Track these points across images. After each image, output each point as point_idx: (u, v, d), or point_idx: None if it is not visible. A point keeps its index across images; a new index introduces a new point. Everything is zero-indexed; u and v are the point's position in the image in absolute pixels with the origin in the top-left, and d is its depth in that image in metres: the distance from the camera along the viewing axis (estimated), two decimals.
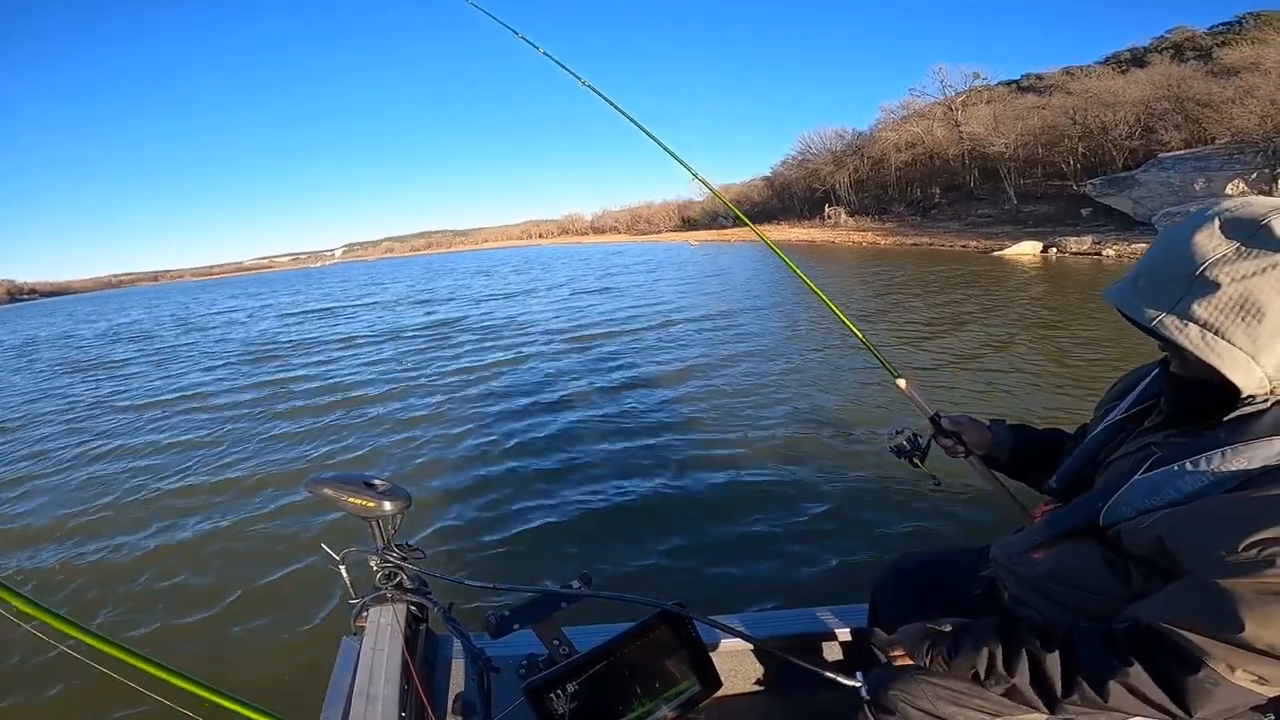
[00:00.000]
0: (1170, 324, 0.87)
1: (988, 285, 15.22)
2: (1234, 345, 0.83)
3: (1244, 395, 0.86)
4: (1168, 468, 0.91)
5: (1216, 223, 0.86)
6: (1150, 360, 1.13)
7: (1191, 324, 0.85)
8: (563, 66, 2.25)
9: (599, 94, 2.16)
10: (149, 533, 4.82)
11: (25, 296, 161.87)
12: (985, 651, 1.00)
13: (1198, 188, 21.13)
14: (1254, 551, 0.79)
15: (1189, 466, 0.88)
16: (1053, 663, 0.94)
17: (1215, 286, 0.83)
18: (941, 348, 8.81)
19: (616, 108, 2.13)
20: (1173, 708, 0.87)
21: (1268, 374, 0.83)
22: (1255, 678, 0.83)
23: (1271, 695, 0.88)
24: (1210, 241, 0.85)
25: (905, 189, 43.57)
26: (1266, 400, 0.86)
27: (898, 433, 1.50)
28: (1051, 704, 0.96)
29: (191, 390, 10.40)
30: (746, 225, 2.26)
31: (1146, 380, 1.12)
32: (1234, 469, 0.84)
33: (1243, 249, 0.83)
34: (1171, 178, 21.98)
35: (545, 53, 2.32)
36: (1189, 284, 0.85)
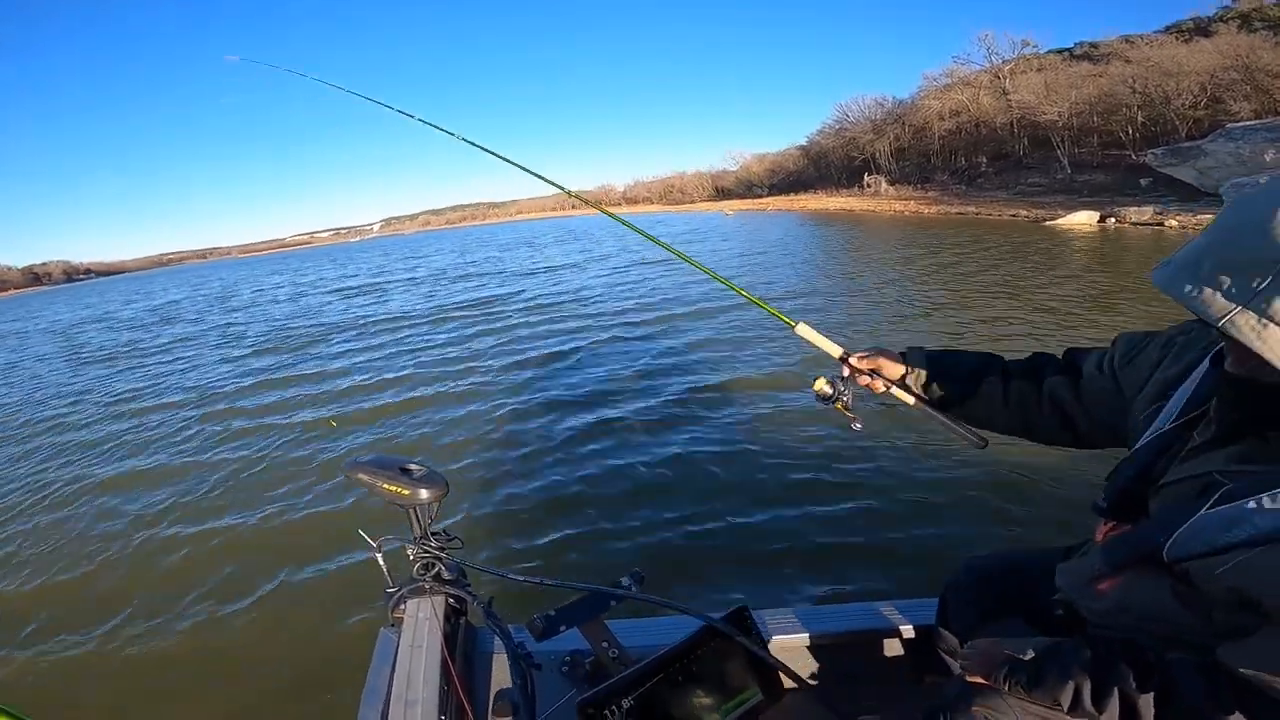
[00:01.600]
0: (1244, 324, 0.70)
1: (1043, 256, 14.66)
2: None
3: None
4: (1241, 502, 0.76)
5: None
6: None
7: (1273, 325, 0.69)
8: (434, 127, 2.16)
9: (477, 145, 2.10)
10: (184, 518, 4.88)
11: (81, 276, 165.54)
12: (1071, 685, 0.89)
13: (1268, 158, 20.33)
14: None
15: (1267, 503, 0.74)
16: (1146, 704, 0.84)
17: None
18: (994, 320, 8.56)
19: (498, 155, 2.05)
20: None
21: None
22: None
23: None
24: None
25: (949, 157, 42.58)
26: None
27: (815, 378, 1.36)
28: None
29: (232, 374, 10.43)
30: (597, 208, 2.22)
31: (1192, 380, 0.94)
32: None
33: None
34: (1241, 148, 21.16)
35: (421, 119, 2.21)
36: (1270, 275, 0.68)
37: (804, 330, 1.40)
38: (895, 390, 1.32)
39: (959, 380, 1.28)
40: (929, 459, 4.36)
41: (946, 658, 1.42)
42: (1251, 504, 0.75)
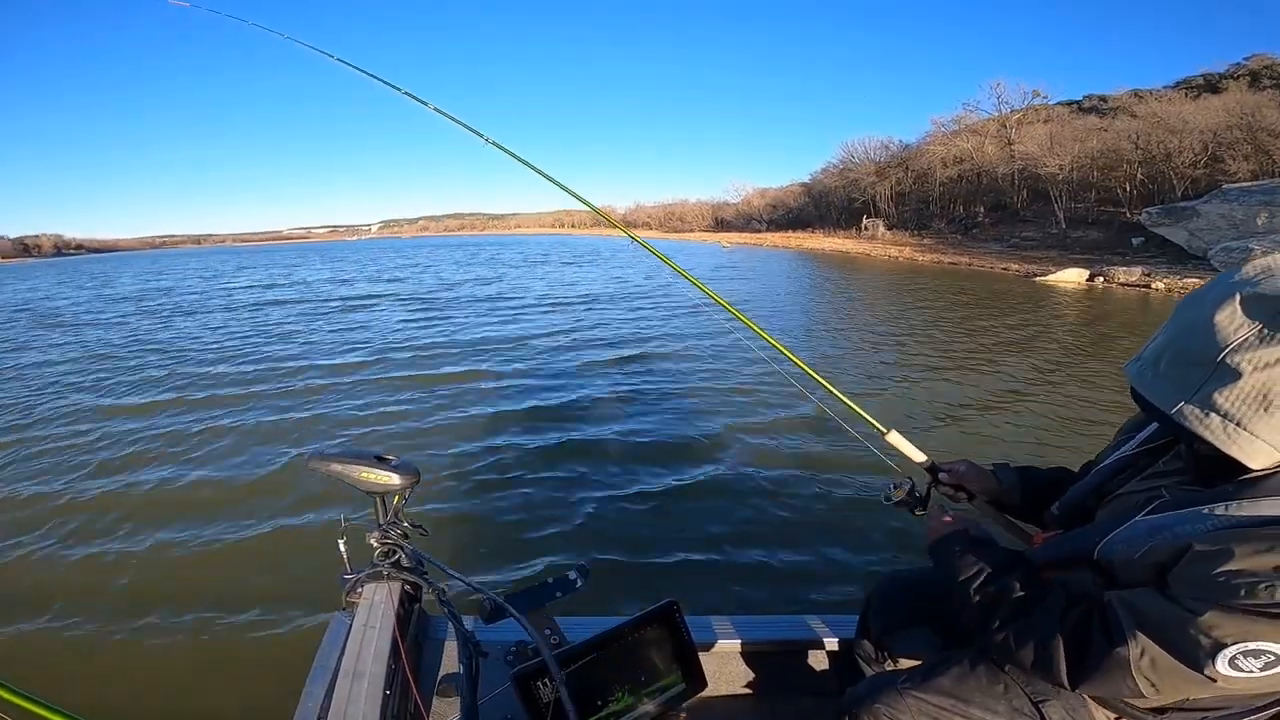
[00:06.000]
0: (1190, 414, 0.85)
1: (1027, 311, 14.47)
2: (1255, 436, 0.81)
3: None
4: (1172, 513, 0.90)
5: (1238, 299, 0.82)
6: None
7: (1213, 414, 0.83)
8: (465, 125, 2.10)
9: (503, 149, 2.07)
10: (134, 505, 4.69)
11: (72, 251, 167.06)
12: (979, 568, 1.07)
13: (1260, 222, 19.82)
14: (1224, 577, 0.80)
15: (1191, 514, 0.88)
16: (1009, 604, 1.01)
17: (1237, 375, 0.80)
18: (968, 378, 8.28)
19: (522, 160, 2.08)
20: (1061, 674, 0.93)
21: None
22: (1149, 681, 0.86)
23: (1149, 704, 0.99)
24: (1232, 323, 0.81)
25: (948, 205, 42.21)
26: (1278, 466, 0.84)
27: (895, 486, 1.43)
28: (983, 634, 1.04)
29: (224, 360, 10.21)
30: (637, 240, 2.13)
31: (1154, 425, 1.10)
32: (1238, 515, 0.83)
33: (1265, 332, 0.79)
34: (1234, 210, 20.66)
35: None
36: (1210, 370, 0.82)
37: (895, 438, 1.50)
38: (977, 503, 1.40)
39: (1041, 498, 1.32)
40: (864, 482, 4.56)
41: (865, 665, 1.52)
42: (1181, 513, 0.89)
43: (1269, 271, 0.84)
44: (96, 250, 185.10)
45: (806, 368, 1.69)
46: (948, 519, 1.21)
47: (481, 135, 2.05)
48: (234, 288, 24.79)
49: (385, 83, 2.19)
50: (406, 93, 2.15)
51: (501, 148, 2.05)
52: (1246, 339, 0.80)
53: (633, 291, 18.15)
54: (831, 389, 1.64)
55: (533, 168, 2.05)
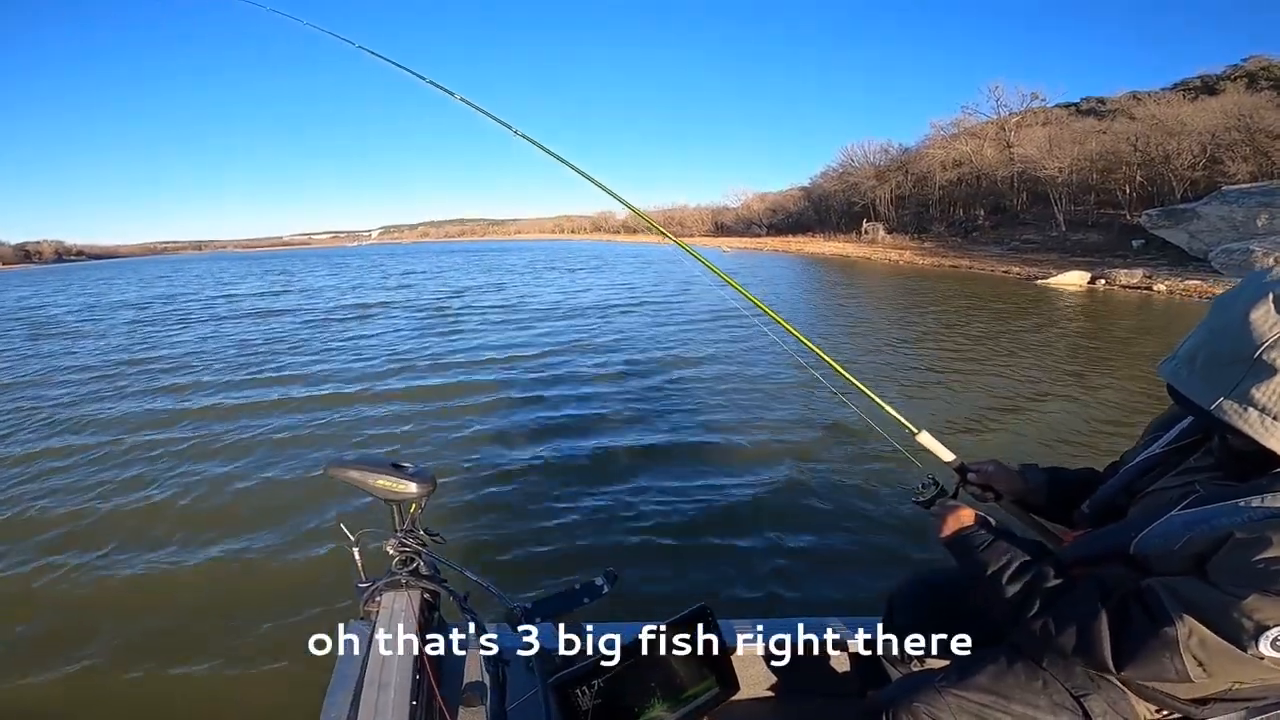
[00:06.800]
0: (1230, 409, 0.87)
1: (1032, 314, 14.51)
2: None
3: None
4: (1207, 507, 0.92)
5: (1271, 298, 0.86)
6: None
7: (1251, 409, 0.86)
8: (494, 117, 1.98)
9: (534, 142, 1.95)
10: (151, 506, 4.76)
11: (73, 258, 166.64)
12: (1009, 558, 1.09)
13: (1260, 224, 19.84)
14: (1264, 564, 0.82)
15: (1228, 507, 0.89)
16: (1045, 590, 1.02)
17: (1274, 371, 0.84)
18: (984, 380, 8.28)
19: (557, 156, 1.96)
20: (1105, 655, 0.94)
21: None
22: (1197, 661, 0.87)
23: (1193, 694, 1.00)
24: (1267, 321, 0.85)
25: (948, 209, 42.23)
26: None
27: (923, 485, 1.43)
28: (1018, 625, 1.04)
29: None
30: (682, 245, 2.06)
31: (1190, 418, 1.10)
32: (1276, 506, 0.86)
33: None
34: (1234, 212, 20.68)
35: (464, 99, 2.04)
36: (1247, 367, 0.86)
37: (925, 438, 1.48)
38: (1004, 503, 1.42)
39: (1069, 498, 1.33)
40: (892, 487, 4.56)
41: (889, 666, 1.58)
42: (1215, 507, 0.91)
43: None
44: (98, 256, 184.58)
45: (839, 368, 1.65)
46: (962, 513, 1.22)
47: (511, 127, 1.92)
48: (239, 294, 24.80)
49: (412, 72, 2.10)
50: (432, 82, 2.06)
51: (533, 141, 1.93)
52: None
53: (644, 298, 18.17)
54: (865, 389, 1.62)
55: (568, 163, 1.93)
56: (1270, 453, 0.86)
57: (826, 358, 1.66)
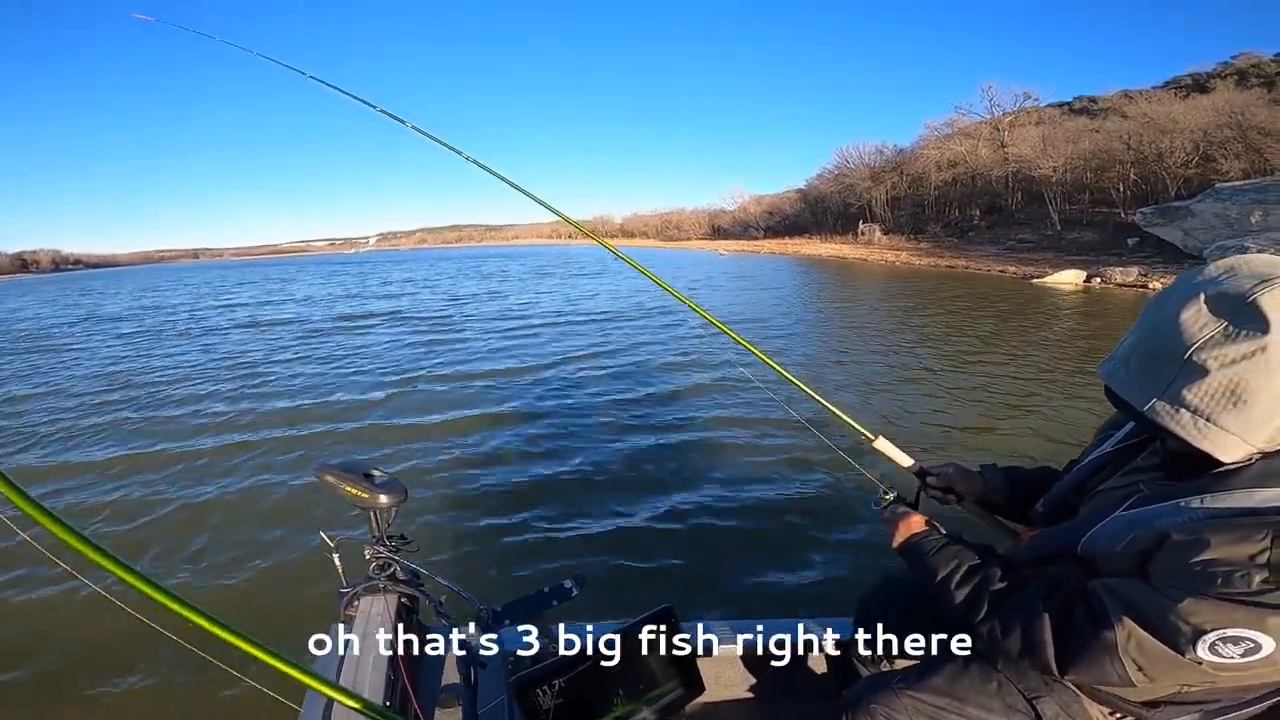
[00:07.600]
0: (1162, 410, 0.87)
1: (1028, 313, 14.58)
2: (1225, 430, 0.83)
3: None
4: (1149, 507, 0.92)
5: (1203, 298, 0.85)
6: None
7: (1183, 410, 0.85)
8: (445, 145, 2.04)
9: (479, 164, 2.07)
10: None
11: (70, 266, 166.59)
12: (956, 563, 1.11)
13: (1254, 220, 19.94)
14: (1201, 566, 0.82)
15: (1169, 508, 0.89)
16: (992, 594, 1.04)
17: (1204, 372, 0.83)
18: (980, 380, 8.36)
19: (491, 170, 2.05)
20: (1049, 658, 0.95)
21: (1258, 447, 0.84)
22: (1136, 665, 0.88)
23: (1142, 697, 0.99)
24: (1197, 321, 0.84)
25: (944, 209, 42.40)
26: (1251, 458, 0.86)
27: (884, 493, 1.42)
28: (969, 629, 1.07)
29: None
30: (616, 251, 2.13)
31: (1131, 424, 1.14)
32: (1213, 507, 0.85)
33: (1230, 329, 0.81)
34: (1228, 209, 20.78)
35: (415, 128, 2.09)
36: (1178, 368, 0.85)
37: (882, 444, 1.50)
38: (966, 504, 1.42)
39: (1028, 497, 1.33)
40: (858, 492, 4.55)
41: (860, 666, 1.56)
42: (1156, 507, 0.91)
43: (1232, 270, 0.85)
44: (95, 265, 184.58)
45: (790, 377, 1.65)
46: (912, 519, 1.23)
47: (460, 153, 2.02)
48: (238, 304, 24.79)
49: (363, 101, 2.11)
50: (383, 110, 2.08)
51: (479, 164, 2.04)
52: (1212, 336, 0.82)
53: (629, 307, 18.01)
54: (818, 398, 1.62)
55: (508, 181, 2.00)
56: (1204, 454, 0.85)
57: (772, 363, 1.69)
